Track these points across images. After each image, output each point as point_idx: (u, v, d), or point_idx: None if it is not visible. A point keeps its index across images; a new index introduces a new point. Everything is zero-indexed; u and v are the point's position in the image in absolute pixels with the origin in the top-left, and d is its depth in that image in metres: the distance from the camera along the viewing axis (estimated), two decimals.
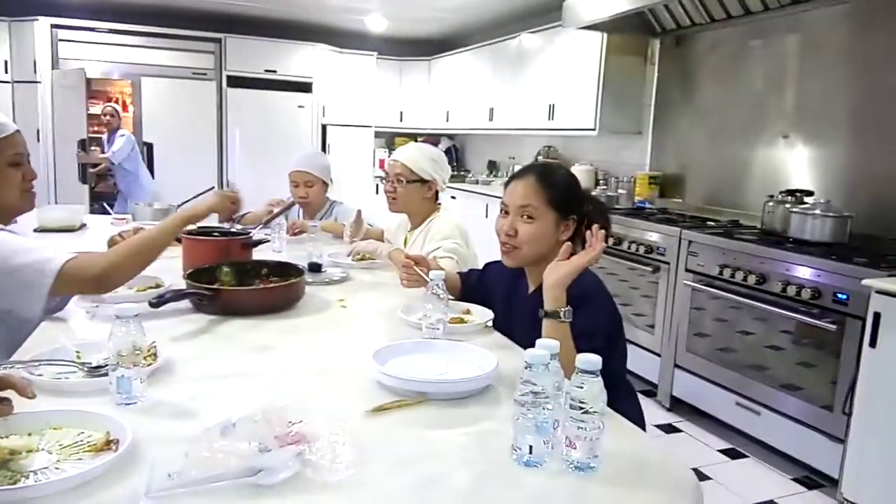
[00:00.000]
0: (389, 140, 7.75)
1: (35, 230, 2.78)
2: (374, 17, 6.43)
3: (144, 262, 1.61)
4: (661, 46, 4.52)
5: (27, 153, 1.63)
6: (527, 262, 1.73)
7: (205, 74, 6.51)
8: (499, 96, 6.05)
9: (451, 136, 7.53)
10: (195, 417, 1.13)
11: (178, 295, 1.69)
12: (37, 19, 5.77)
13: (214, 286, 1.76)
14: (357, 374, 1.33)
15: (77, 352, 1.33)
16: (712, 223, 3.64)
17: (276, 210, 2.59)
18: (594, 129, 4.67)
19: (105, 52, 6.14)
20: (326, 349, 1.56)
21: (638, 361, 3.57)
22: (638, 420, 1.62)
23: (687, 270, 3.32)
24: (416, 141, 7.79)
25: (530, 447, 1.00)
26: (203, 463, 0.90)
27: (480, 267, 2.11)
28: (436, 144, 7.67)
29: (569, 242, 1.57)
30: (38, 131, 5.87)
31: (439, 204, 2.56)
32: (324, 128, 6.97)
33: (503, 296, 1.86)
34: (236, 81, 6.55)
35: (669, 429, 3.23)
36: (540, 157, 5.49)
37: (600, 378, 1.00)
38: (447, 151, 7.59)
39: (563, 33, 4.96)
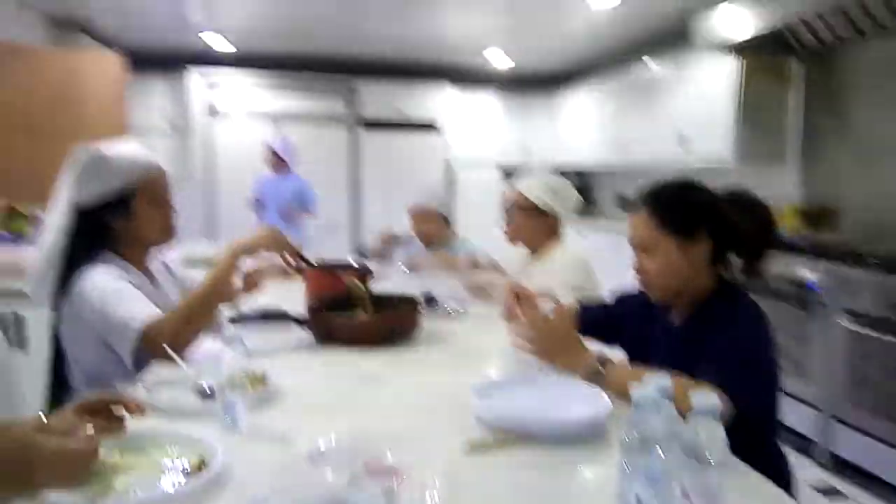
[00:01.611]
0: (515, 175, 7.75)
1: (181, 263, 3.00)
2: (496, 54, 6.51)
3: (212, 311, 1.64)
4: (804, 66, 4.18)
5: (170, 191, 1.75)
6: (669, 296, 1.60)
7: (339, 118, 6.88)
8: (626, 128, 5.87)
9: (578, 171, 7.40)
10: (294, 444, 1.12)
11: (275, 315, 1.77)
12: (190, 72, 6.38)
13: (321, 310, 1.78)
14: (461, 410, 1.28)
15: (193, 375, 1.38)
16: (874, 259, 3.25)
17: (389, 243, 2.63)
18: (731, 159, 4.38)
19: (250, 99, 6.65)
20: (433, 382, 1.52)
21: (787, 411, 3.23)
22: (780, 478, 1.43)
23: (845, 311, 2.97)
24: None
25: (638, 498, 0.90)
26: (288, 491, 0.88)
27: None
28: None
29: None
30: (189, 174, 6.43)
31: (560, 236, 2.47)
32: (451, 165, 7.10)
33: (639, 330, 1.74)
34: (369, 124, 6.85)
35: (832, 492, 2.83)
36: None
37: (720, 423, 0.88)
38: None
39: (693, 59, 4.74)
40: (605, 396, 1.25)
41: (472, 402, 1.24)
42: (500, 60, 6.70)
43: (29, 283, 1.63)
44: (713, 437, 0.87)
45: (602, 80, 6.34)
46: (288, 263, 1.89)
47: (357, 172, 6.91)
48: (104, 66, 4.77)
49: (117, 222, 1.65)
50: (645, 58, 5.52)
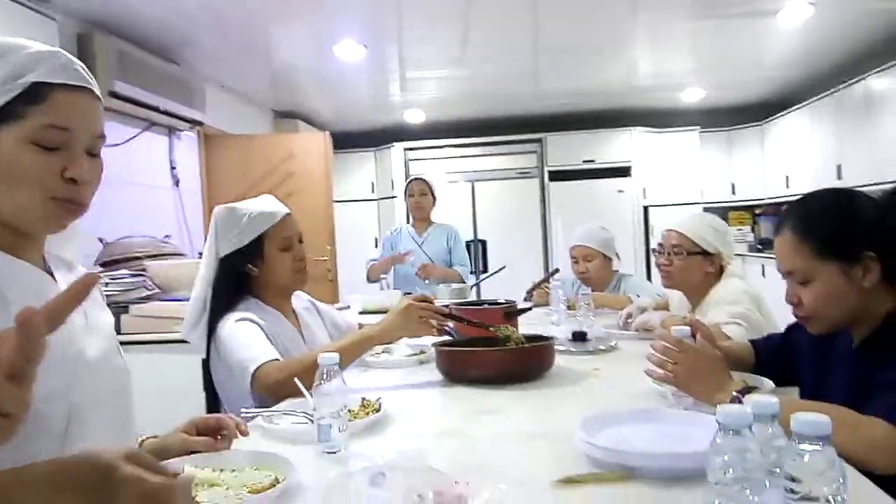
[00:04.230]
0: (722, 215, 7.13)
1: (360, 312, 3.19)
2: (690, 91, 6.17)
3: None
4: None
5: (297, 235, 1.87)
6: (833, 327, 1.36)
7: (528, 173, 6.96)
8: (845, 151, 5.17)
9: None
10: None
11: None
12: (392, 146, 6.91)
13: (450, 346, 1.75)
14: (567, 442, 1.16)
15: (311, 404, 1.42)
16: None
17: (539, 286, 2.54)
18: None
19: (446, 164, 7.01)
20: (550, 415, 1.42)
21: None
22: None
23: None
24: (753, 214, 7.07)
25: None
26: None
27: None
28: (776, 215, 6.84)
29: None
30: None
31: (724, 277, 2.20)
32: (646, 210, 6.79)
33: (813, 359, 1.48)
34: (557, 175, 6.84)
35: None
36: None
37: (829, 449, 0.70)
38: None
39: None
40: None
41: (576, 434, 1.12)
42: (695, 97, 6.36)
43: (183, 330, 1.84)
44: (816, 467, 0.69)
45: (812, 104, 5.70)
46: (438, 330, 1.78)
47: (547, 224, 6.89)
48: (313, 144, 5.38)
49: (253, 268, 1.80)
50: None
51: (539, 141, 6.91)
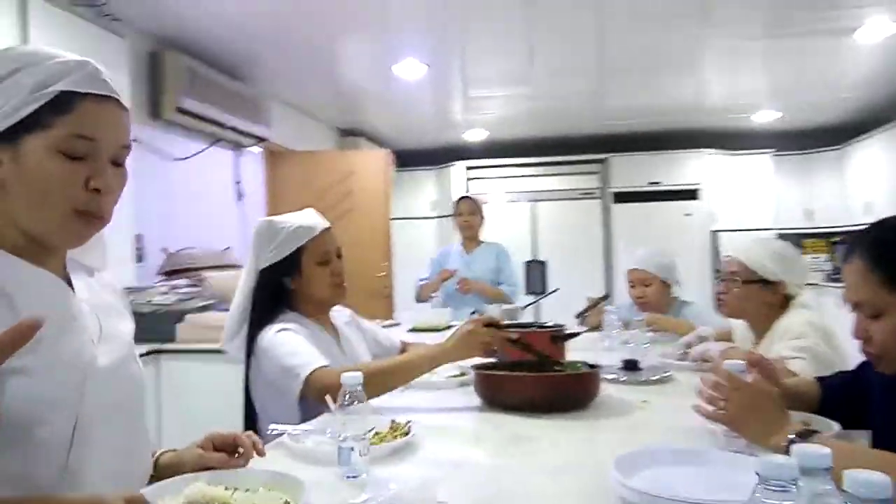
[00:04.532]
0: (796, 242, 6.80)
1: (409, 330, 3.16)
2: (763, 112, 5.93)
3: (379, 389, 1.56)
4: None
5: (335, 250, 1.85)
6: None
7: (592, 193, 6.83)
8: None
9: None
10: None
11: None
12: (454, 164, 6.91)
13: (490, 369, 1.68)
14: (599, 481, 1.08)
15: (344, 423, 1.38)
16: None
17: (593, 307, 2.43)
18: None
19: (507, 183, 6.96)
20: (587, 449, 1.33)
21: None
22: None
23: None
24: (830, 242, 6.70)
25: None
26: None
27: None
28: None
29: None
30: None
31: (789, 308, 2.03)
32: (715, 235, 6.53)
33: (886, 401, 1.35)
34: (621, 197, 6.69)
35: None
36: None
37: None
38: None
39: None
40: None
41: (611, 474, 1.04)
42: (769, 118, 6.10)
43: (222, 340, 1.84)
44: None
45: (894, 128, 5.37)
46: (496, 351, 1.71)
47: (610, 246, 6.72)
48: (374, 161, 5.45)
49: (292, 282, 1.79)
50: None
51: (603, 161, 6.77)
